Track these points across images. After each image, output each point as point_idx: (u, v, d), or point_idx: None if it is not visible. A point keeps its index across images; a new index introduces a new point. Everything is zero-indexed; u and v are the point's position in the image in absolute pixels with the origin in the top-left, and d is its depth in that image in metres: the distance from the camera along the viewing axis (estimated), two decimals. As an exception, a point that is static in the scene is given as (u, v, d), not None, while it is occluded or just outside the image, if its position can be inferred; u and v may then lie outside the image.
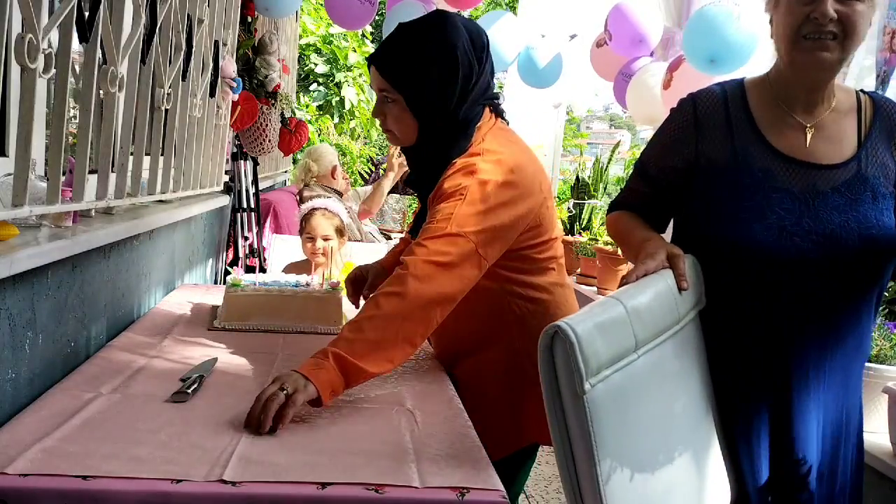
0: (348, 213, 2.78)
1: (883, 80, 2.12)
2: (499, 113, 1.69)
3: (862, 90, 1.45)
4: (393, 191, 6.47)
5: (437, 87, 1.55)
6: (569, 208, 4.36)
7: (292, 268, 2.79)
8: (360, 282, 1.94)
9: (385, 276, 1.59)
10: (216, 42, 2.49)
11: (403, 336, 1.42)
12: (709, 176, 1.42)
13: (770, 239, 1.34)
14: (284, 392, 1.29)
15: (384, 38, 1.67)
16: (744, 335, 1.40)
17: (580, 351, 1.07)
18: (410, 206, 5.86)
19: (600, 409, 1.09)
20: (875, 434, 1.84)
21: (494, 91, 1.69)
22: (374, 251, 3.18)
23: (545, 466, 3.23)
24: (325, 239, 2.66)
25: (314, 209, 2.70)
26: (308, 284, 2.16)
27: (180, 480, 1.09)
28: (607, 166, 4.82)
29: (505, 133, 1.66)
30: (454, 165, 1.56)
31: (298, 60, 7.72)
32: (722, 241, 1.38)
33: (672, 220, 1.58)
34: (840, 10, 1.29)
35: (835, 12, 1.28)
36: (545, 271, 1.69)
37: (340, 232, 2.71)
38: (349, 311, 2.32)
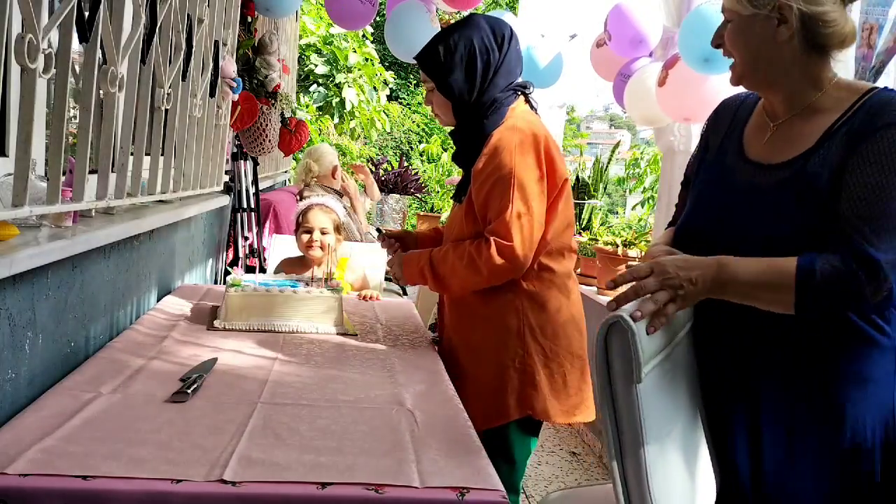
0: (346, 212, 2.77)
1: (861, 77, 2.12)
2: (529, 101, 1.96)
3: (884, 88, 1.36)
4: (393, 191, 6.47)
5: (459, 72, 1.87)
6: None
7: (286, 264, 2.77)
8: (403, 241, 2.19)
9: (422, 244, 2.11)
10: (216, 42, 2.49)
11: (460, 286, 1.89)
12: (701, 169, 1.51)
13: (711, 230, 1.40)
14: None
15: (428, 42, 1.98)
16: (716, 328, 1.42)
17: (639, 341, 1.17)
18: (410, 206, 5.89)
19: (648, 397, 1.20)
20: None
21: (525, 80, 1.97)
22: (373, 251, 3.18)
23: (545, 467, 3.23)
24: (323, 232, 2.65)
25: (312, 204, 2.70)
26: (308, 284, 2.16)
27: (180, 480, 1.09)
28: (607, 166, 4.82)
29: (532, 114, 1.94)
30: (492, 137, 1.84)
31: (298, 60, 7.72)
32: (684, 229, 1.48)
33: None
34: (721, 35, 1.41)
35: (718, 38, 1.41)
36: (559, 257, 1.91)
37: (338, 229, 2.71)
38: (351, 312, 2.32)
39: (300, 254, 2.81)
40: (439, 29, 3.31)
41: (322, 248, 2.65)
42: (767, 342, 1.35)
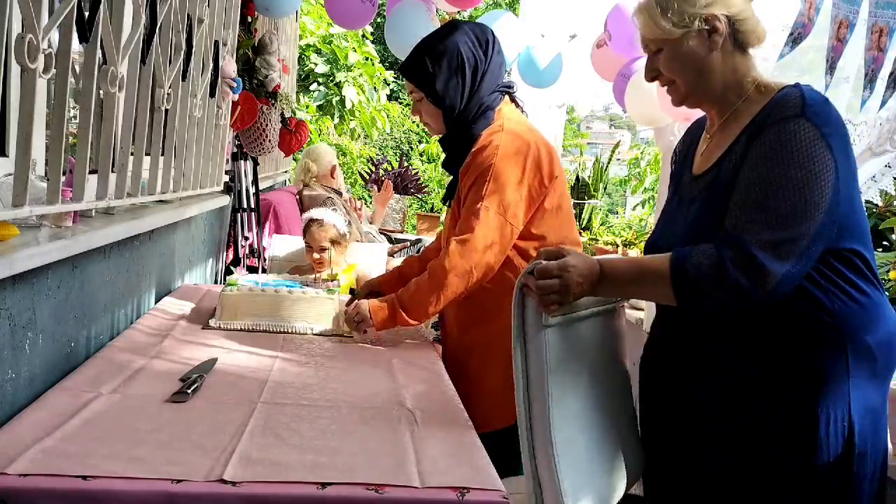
0: (346, 219, 2.77)
1: (871, 79, 2.12)
2: (514, 100, 1.98)
3: (794, 85, 1.37)
4: (393, 191, 6.47)
5: (448, 80, 1.87)
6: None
7: (298, 270, 2.81)
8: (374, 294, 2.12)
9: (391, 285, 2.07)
10: (216, 42, 2.49)
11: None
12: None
13: (662, 244, 1.46)
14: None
15: (412, 51, 1.98)
16: (655, 322, 1.55)
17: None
18: (411, 205, 5.88)
19: (554, 347, 1.37)
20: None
21: (509, 81, 1.99)
22: (373, 251, 3.19)
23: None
24: (322, 249, 2.68)
25: (312, 220, 2.71)
26: (307, 285, 2.16)
27: (180, 480, 1.09)
28: (607, 166, 4.83)
29: (518, 114, 1.98)
30: (480, 138, 1.87)
31: (298, 60, 7.71)
32: (649, 244, 1.57)
33: None
34: (654, 67, 1.43)
35: (652, 70, 1.44)
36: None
37: (336, 241, 2.72)
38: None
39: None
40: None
41: (322, 264, 2.68)
42: (708, 339, 1.39)
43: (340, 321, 2.07)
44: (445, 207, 2.03)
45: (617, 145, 5.62)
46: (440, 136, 2.00)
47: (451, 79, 1.87)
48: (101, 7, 1.47)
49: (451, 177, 2.01)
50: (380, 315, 1.87)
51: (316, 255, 2.67)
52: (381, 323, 1.88)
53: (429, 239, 4.59)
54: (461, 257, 1.81)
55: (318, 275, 2.39)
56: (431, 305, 1.84)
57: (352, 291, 2.16)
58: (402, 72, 1.95)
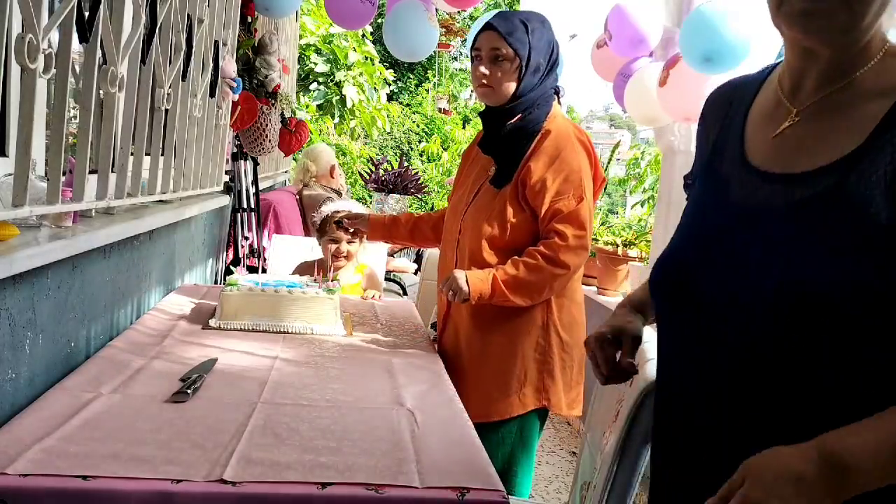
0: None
1: None
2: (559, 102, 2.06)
3: None
4: (393, 191, 6.47)
5: (539, 53, 1.93)
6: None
7: (305, 268, 2.79)
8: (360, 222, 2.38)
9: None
10: (216, 42, 2.49)
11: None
12: (699, 179, 1.08)
13: (697, 268, 0.97)
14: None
15: (498, 12, 2.01)
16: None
17: None
18: (411, 206, 5.88)
19: None
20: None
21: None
22: (373, 251, 3.19)
23: (545, 467, 3.23)
24: (350, 242, 2.67)
25: (337, 212, 2.69)
26: (307, 286, 2.16)
27: (180, 480, 1.09)
28: (607, 166, 4.82)
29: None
30: (548, 131, 1.92)
31: (298, 60, 7.71)
32: (668, 262, 1.03)
33: None
34: None
35: None
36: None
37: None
38: (351, 312, 2.32)
39: (314, 257, 2.81)
40: (438, 29, 3.30)
41: (347, 257, 2.67)
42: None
43: (343, 320, 2.07)
44: (491, 187, 1.98)
45: (617, 145, 5.61)
46: (489, 108, 1.99)
47: (541, 53, 1.93)
48: (101, 7, 1.47)
49: (496, 157, 2.00)
50: (479, 288, 1.87)
51: (343, 250, 2.66)
52: (478, 298, 1.89)
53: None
54: (576, 255, 1.88)
55: (318, 275, 2.39)
56: (542, 294, 1.89)
57: (338, 223, 2.31)
58: (496, 26, 1.92)
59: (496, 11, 2.29)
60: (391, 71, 9.79)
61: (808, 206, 0.87)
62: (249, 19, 3.23)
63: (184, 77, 2.16)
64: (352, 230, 2.37)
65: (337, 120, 8.75)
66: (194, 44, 2.19)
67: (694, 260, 0.98)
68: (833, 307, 0.81)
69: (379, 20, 6.29)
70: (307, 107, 8.41)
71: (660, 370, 1.07)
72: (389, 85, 10.05)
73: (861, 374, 0.83)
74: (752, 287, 0.88)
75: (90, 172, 1.58)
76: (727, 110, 1.06)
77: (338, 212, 2.64)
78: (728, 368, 0.92)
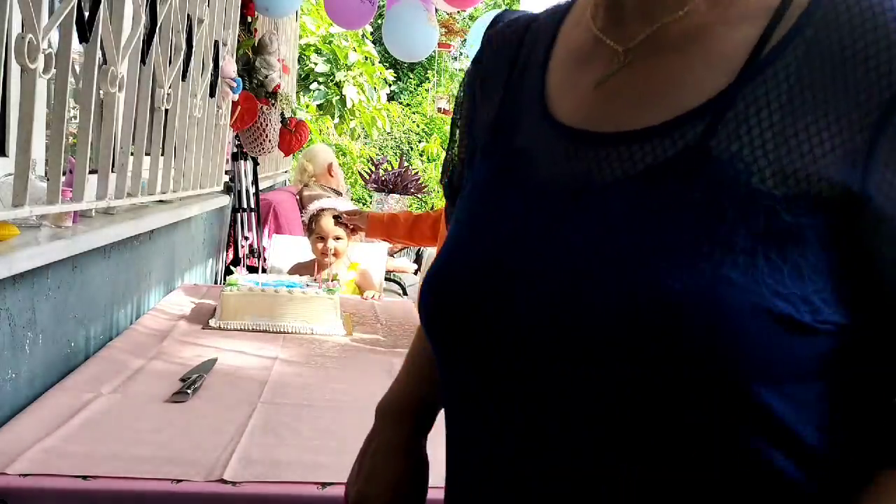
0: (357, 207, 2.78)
1: None
2: None
3: None
4: (393, 191, 6.47)
5: None
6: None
7: (299, 268, 2.80)
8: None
9: None
10: (216, 42, 2.49)
11: None
12: (473, 164, 0.70)
13: (487, 283, 0.58)
14: None
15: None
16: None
17: None
18: (411, 206, 5.88)
19: None
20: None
21: None
22: (372, 250, 3.19)
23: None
24: (336, 238, 2.67)
25: (322, 210, 2.69)
26: (308, 286, 2.17)
27: (180, 480, 1.09)
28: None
29: None
30: None
31: (298, 60, 7.71)
32: (438, 282, 0.63)
33: None
34: None
35: None
36: None
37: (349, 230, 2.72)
38: (351, 312, 2.32)
39: (310, 257, 2.81)
40: (438, 29, 3.31)
41: (336, 255, 2.67)
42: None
43: (343, 320, 2.07)
44: None
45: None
46: None
47: None
48: (101, 7, 1.47)
49: None
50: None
51: (330, 245, 2.66)
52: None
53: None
54: None
55: (318, 275, 2.40)
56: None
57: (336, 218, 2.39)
58: None
59: (496, 11, 2.29)
60: (391, 71, 9.79)
61: (660, 175, 0.53)
62: (249, 19, 3.23)
63: (184, 77, 2.16)
64: (351, 226, 2.38)
65: (337, 120, 8.75)
66: (194, 44, 2.19)
67: (485, 275, 0.57)
68: (713, 331, 0.48)
69: (379, 20, 6.29)
70: (307, 107, 8.41)
71: (449, 468, 0.65)
72: (389, 85, 10.05)
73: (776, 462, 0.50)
74: (582, 306, 0.51)
75: (90, 172, 1.58)
76: (514, 59, 0.69)
77: (324, 209, 2.64)
78: (552, 456, 0.54)
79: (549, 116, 0.63)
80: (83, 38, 1.46)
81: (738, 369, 0.49)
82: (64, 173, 1.49)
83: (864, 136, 0.49)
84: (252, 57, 3.22)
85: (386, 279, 3.59)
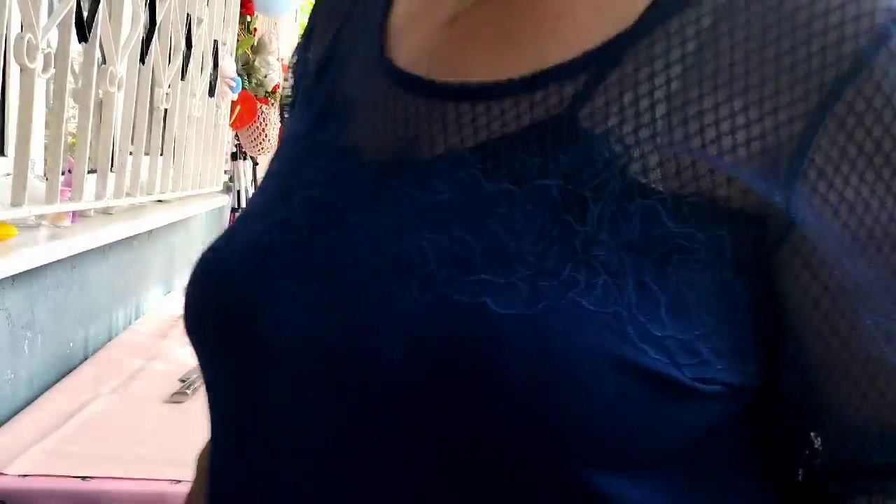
0: None
1: None
2: None
3: None
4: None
5: None
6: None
7: None
8: None
9: None
10: (215, 41, 2.48)
11: None
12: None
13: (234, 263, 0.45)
14: None
15: None
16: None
17: None
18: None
19: None
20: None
21: None
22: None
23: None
24: None
25: None
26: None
27: (180, 481, 1.08)
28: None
29: None
30: None
31: (297, 60, 7.72)
32: (211, 279, 0.49)
33: None
34: None
35: None
36: None
37: None
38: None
39: None
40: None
41: None
42: None
43: None
44: None
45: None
46: None
47: None
48: (101, 7, 1.47)
49: None
50: None
51: None
52: None
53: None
54: None
55: None
56: None
57: None
58: None
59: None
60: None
61: (504, 150, 0.38)
62: (248, 18, 3.23)
63: (183, 77, 2.16)
64: None
65: (336, 119, 8.76)
66: (193, 43, 2.18)
67: (253, 265, 0.43)
68: (534, 385, 0.33)
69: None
70: (306, 106, 8.42)
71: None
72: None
73: None
74: (359, 323, 0.37)
75: (89, 172, 1.57)
76: None
77: None
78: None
79: (384, 58, 0.46)
80: (82, 38, 1.46)
81: (566, 447, 0.33)
82: (63, 173, 1.49)
83: (796, 129, 0.34)
84: (251, 56, 3.22)
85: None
